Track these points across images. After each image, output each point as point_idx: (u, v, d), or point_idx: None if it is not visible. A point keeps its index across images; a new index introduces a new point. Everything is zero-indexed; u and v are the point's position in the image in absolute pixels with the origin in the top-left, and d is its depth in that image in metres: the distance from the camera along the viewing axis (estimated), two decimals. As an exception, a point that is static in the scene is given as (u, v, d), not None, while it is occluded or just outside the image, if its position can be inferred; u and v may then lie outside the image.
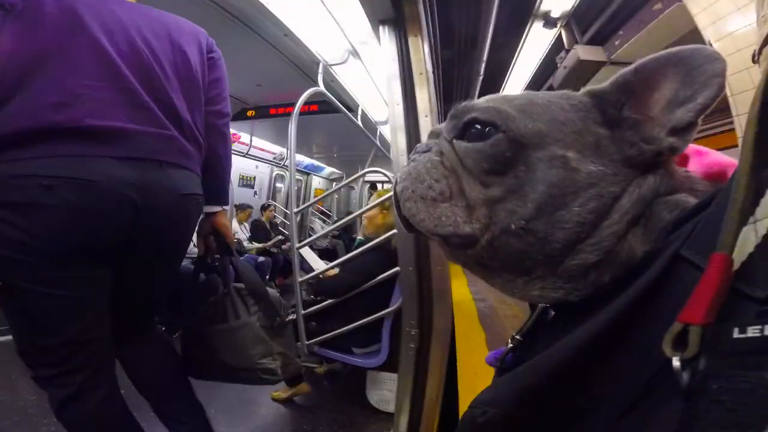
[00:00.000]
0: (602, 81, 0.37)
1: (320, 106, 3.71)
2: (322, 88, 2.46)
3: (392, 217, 1.96)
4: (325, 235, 4.68)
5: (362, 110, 3.59)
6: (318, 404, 2.14)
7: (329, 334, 1.91)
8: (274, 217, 5.87)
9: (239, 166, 5.44)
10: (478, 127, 0.37)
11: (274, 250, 5.22)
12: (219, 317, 1.12)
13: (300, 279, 1.99)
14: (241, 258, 4.36)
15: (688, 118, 0.33)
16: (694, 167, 0.39)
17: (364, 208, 2.13)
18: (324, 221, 7.74)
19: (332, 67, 2.63)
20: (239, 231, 4.81)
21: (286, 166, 6.78)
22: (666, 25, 2.56)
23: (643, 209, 0.33)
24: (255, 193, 5.85)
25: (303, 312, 1.96)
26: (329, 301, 1.94)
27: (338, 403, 2.15)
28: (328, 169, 7.93)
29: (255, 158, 5.85)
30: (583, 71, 3.07)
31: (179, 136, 0.98)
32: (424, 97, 1.61)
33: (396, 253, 1.77)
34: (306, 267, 2.61)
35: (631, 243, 0.33)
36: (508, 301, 2.68)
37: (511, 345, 0.43)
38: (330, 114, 3.61)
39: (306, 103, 3.76)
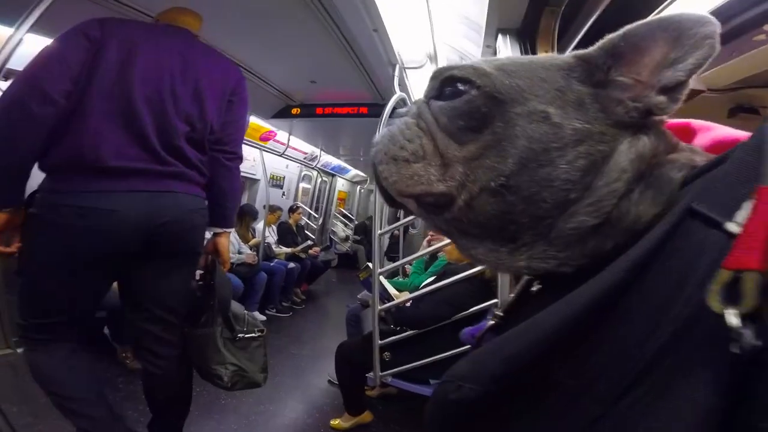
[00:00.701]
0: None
1: (370, 110, 3.54)
2: (402, 93, 2.31)
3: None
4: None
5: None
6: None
7: (407, 366, 1.78)
8: (300, 219, 5.72)
9: (271, 165, 5.25)
10: (455, 86, 0.36)
11: (303, 255, 5.08)
12: (200, 323, 1.31)
13: (380, 307, 1.83)
14: (271, 264, 4.22)
15: (678, 77, 0.32)
16: (701, 142, 0.37)
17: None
18: (345, 224, 7.60)
19: (406, 70, 2.46)
20: (268, 234, 4.64)
21: (317, 168, 6.65)
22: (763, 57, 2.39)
23: (644, 168, 0.32)
24: (283, 193, 5.67)
25: (380, 342, 1.80)
26: (410, 332, 1.79)
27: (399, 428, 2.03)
28: (353, 171, 7.78)
29: (288, 158, 5.69)
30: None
31: (184, 169, 1.23)
32: None
33: (489, 282, 1.65)
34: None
35: (637, 205, 0.31)
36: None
37: (492, 322, 0.40)
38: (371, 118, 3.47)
39: (355, 104, 3.67)
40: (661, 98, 0.32)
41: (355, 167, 7.40)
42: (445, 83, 0.37)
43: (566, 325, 0.27)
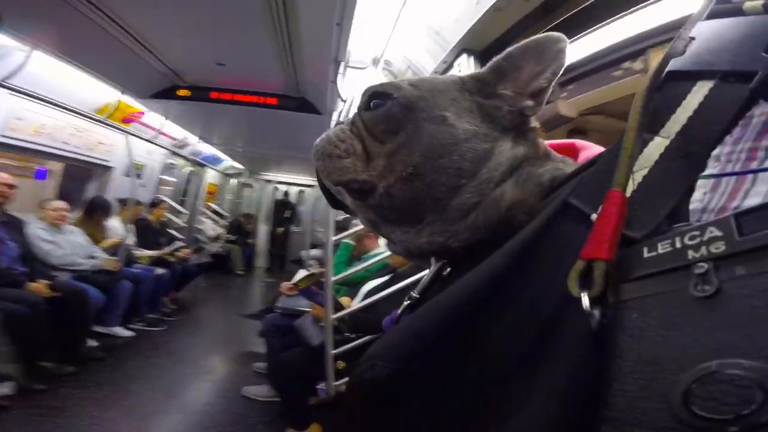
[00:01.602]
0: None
1: (280, 101, 3.28)
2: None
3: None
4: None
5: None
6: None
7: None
8: (164, 215, 4.90)
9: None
10: (379, 99, 0.44)
11: (172, 258, 4.38)
12: None
13: (334, 315, 1.75)
14: (135, 270, 3.55)
15: (541, 85, 0.41)
16: (581, 159, 0.45)
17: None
18: (215, 222, 6.82)
19: (346, 65, 2.37)
20: (125, 234, 3.81)
21: (188, 157, 5.75)
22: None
23: (516, 165, 0.40)
24: (142, 185, 4.70)
25: (335, 351, 1.74)
26: (367, 337, 1.78)
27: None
28: (227, 162, 6.98)
29: (155, 144, 4.75)
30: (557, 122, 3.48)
31: None
32: None
33: None
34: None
35: (505, 190, 0.38)
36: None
37: (408, 302, 0.45)
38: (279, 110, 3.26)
39: (265, 94, 3.33)
40: (529, 102, 0.42)
41: (233, 158, 6.69)
42: (372, 97, 0.44)
43: (460, 304, 0.31)
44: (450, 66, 1.93)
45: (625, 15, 1.45)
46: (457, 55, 1.83)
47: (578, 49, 2.79)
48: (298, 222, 8.06)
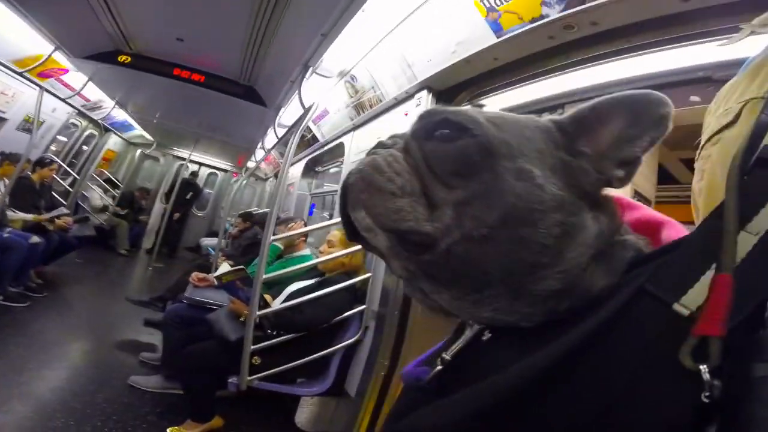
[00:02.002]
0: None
1: (207, 80, 3.22)
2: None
3: (359, 260, 2.14)
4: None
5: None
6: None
7: (280, 368, 1.89)
8: (50, 177, 4.28)
9: (29, 103, 3.69)
10: (447, 131, 0.37)
11: (50, 226, 3.86)
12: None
13: (259, 312, 1.85)
14: (4, 235, 3.14)
15: (635, 153, 0.36)
16: (628, 219, 0.42)
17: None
18: (105, 191, 6.06)
19: (314, 70, 2.43)
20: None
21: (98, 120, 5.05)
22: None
23: (602, 245, 0.35)
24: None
25: (254, 347, 1.83)
26: (286, 336, 1.92)
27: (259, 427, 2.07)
28: (137, 131, 6.26)
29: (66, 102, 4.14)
30: None
31: None
32: None
33: (358, 292, 2.01)
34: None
35: (592, 276, 0.34)
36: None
37: (440, 366, 0.38)
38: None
39: (210, 74, 3.20)
40: (620, 172, 0.37)
41: (144, 128, 6.03)
42: (438, 126, 0.37)
43: (530, 381, 0.30)
44: (410, 97, 2.14)
45: (550, 77, 1.75)
46: (419, 90, 2.05)
47: (510, 98, 3.29)
48: (201, 206, 7.57)
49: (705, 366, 0.26)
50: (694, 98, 2.70)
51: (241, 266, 2.20)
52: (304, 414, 2.16)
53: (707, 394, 0.25)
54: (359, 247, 2.04)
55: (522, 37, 1.46)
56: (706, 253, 0.29)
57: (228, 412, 2.11)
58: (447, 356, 0.39)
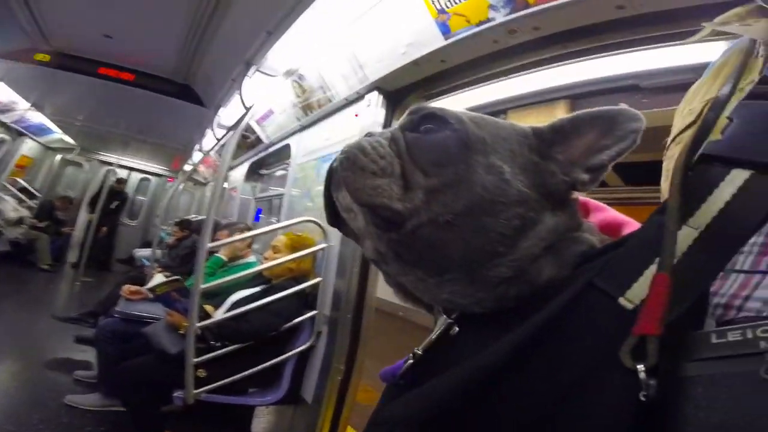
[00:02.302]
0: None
1: (138, 79, 3.00)
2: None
3: (309, 264, 2.09)
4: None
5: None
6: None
7: (229, 380, 1.80)
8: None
9: None
10: (432, 124, 0.40)
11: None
12: None
13: (199, 324, 1.74)
14: None
15: (602, 161, 0.38)
16: (594, 220, 0.44)
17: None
18: (21, 201, 5.42)
19: (258, 69, 2.32)
20: None
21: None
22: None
23: (555, 239, 0.37)
24: None
25: (197, 360, 1.73)
26: (232, 346, 1.83)
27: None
28: (55, 136, 5.63)
29: None
30: None
31: None
32: None
33: (308, 297, 1.98)
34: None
35: (540, 266, 0.36)
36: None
37: (412, 361, 0.40)
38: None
39: (118, 66, 2.93)
40: (586, 176, 0.39)
41: (65, 131, 5.43)
42: (424, 120, 0.41)
43: (487, 372, 0.32)
44: (361, 98, 2.12)
45: (493, 83, 1.82)
46: (370, 90, 2.04)
47: (458, 102, 3.38)
48: (133, 214, 7.02)
49: (642, 365, 0.27)
50: (623, 105, 2.96)
51: (177, 277, 2.07)
52: (260, 424, 2.09)
53: (644, 393, 0.26)
54: (307, 251, 2.02)
55: (468, 41, 1.49)
56: (650, 248, 0.31)
57: (179, 426, 2.00)
58: (418, 351, 0.40)
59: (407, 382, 0.39)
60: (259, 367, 1.84)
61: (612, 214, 0.46)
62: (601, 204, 0.48)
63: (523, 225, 0.36)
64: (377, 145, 0.40)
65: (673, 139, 0.62)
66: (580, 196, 0.45)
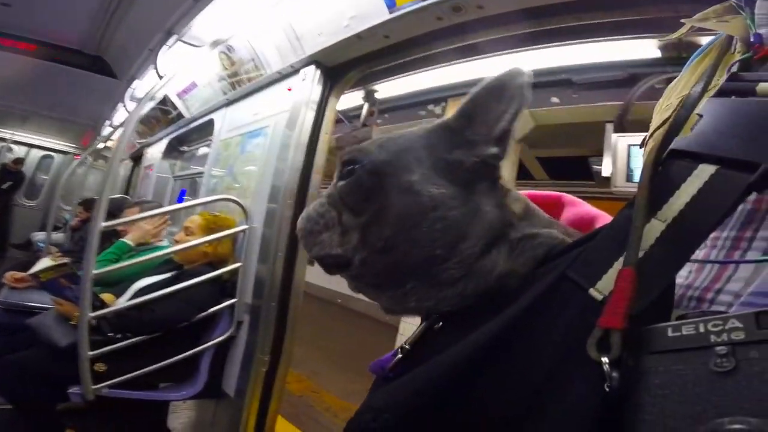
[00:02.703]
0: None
1: (40, 50, 2.63)
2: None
3: (227, 248, 1.92)
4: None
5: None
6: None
7: (135, 374, 1.62)
8: None
9: None
10: (351, 167, 0.42)
11: None
12: None
13: (93, 314, 1.52)
14: None
15: (503, 127, 0.39)
16: (568, 215, 0.46)
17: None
18: None
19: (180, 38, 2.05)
20: None
21: None
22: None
23: (497, 233, 0.39)
24: None
25: (93, 353, 1.52)
26: (134, 338, 1.63)
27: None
28: None
29: None
30: None
31: None
32: (322, 154, 1.85)
33: (225, 284, 1.83)
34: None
35: (495, 263, 0.38)
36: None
37: (401, 355, 0.42)
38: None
39: (16, 36, 2.49)
40: (493, 149, 0.39)
41: None
42: (346, 165, 0.43)
43: (464, 362, 0.33)
44: (296, 72, 1.99)
45: (438, 67, 1.77)
46: (307, 65, 1.91)
47: (400, 85, 3.35)
48: (33, 194, 6.16)
49: (606, 357, 0.27)
50: (555, 100, 3.10)
51: (65, 261, 1.81)
52: (179, 419, 1.92)
53: (607, 384, 0.27)
54: (225, 233, 1.86)
55: (412, 16, 1.43)
56: (620, 240, 0.32)
57: (85, 423, 1.80)
58: (406, 345, 0.42)
59: (396, 376, 0.40)
60: (169, 361, 1.67)
61: (585, 208, 0.47)
62: (575, 199, 0.49)
63: (449, 225, 0.38)
64: (318, 206, 0.45)
65: (651, 135, 0.62)
66: (556, 192, 0.49)
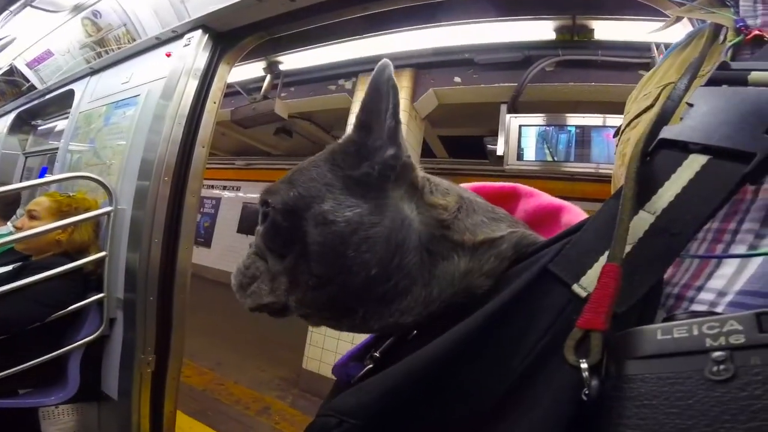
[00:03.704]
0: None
1: None
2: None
3: (87, 234, 1.63)
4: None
5: None
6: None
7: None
8: None
9: None
10: (267, 209, 0.40)
11: None
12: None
13: None
14: None
15: (389, 125, 0.37)
16: (526, 207, 0.44)
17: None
18: None
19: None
20: None
21: None
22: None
23: (437, 237, 0.37)
24: None
25: None
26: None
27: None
28: None
29: None
30: (269, 119, 3.56)
31: None
32: (208, 126, 1.66)
33: (89, 277, 1.60)
34: None
35: (451, 263, 0.36)
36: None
37: (369, 365, 0.39)
38: None
39: None
40: (390, 150, 0.37)
41: None
42: (263, 206, 0.41)
43: (436, 361, 0.31)
44: (178, 37, 1.73)
45: (347, 41, 1.71)
46: (192, 29, 1.68)
47: (309, 58, 3.15)
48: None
49: (584, 362, 0.25)
50: (457, 79, 3.18)
51: None
52: (54, 425, 1.62)
53: (585, 392, 0.25)
54: (81, 216, 1.57)
55: None
56: (606, 233, 0.30)
57: None
58: (377, 354, 0.39)
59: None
60: (25, 365, 1.39)
61: (546, 199, 0.45)
62: (532, 189, 0.47)
63: (372, 244, 0.36)
64: (246, 259, 0.43)
65: (628, 124, 0.61)
66: (510, 184, 0.47)
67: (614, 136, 0.66)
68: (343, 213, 0.37)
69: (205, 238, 8.06)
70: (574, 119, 2.78)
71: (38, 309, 1.43)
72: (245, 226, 7.84)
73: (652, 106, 0.55)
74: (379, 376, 0.33)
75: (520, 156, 2.90)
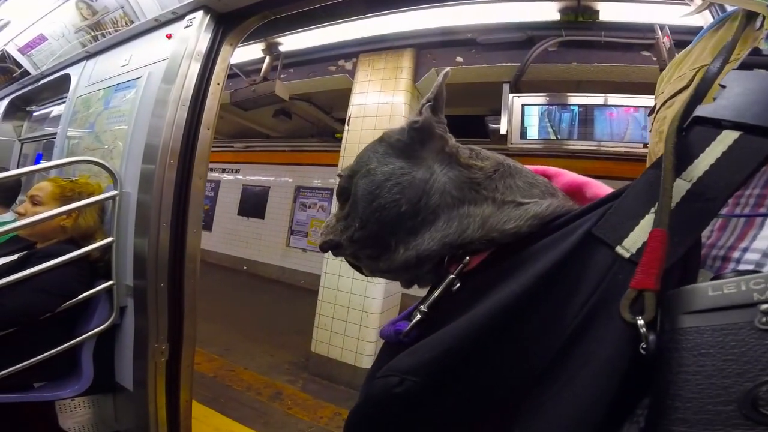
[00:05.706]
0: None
1: None
2: None
3: (92, 219, 1.60)
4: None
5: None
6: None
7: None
8: None
9: None
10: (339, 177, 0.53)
11: None
12: None
13: None
14: None
15: (422, 102, 0.47)
16: (557, 185, 0.48)
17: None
18: None
19: None
20: None
21: None
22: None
23: (466, 189, 0.43)
24: None
25: None
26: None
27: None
28: None
29: None
30: (270, 100, 3.51)
31: None
32: (212, 109, 1.61)
33: (96, 264, 1.57)
34: None
35: (478, 208, 0.42)
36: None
37: (418, 317, 0.41)
38: None
39: None
40: (415, 118, 0.47)
41: None
42: (338, 177, 0.53)
43: (490, 321, 0.33)
44: (179, 18, 1.67)
45: (350, 21, 1.67)
46: (193, 10, 1.62)
47: (308, 38, 3.08)
48: None
49: (641, 319, 0.28)
50: (459, 59, 3.14)
51: None
52: (71, 418, 1.62)
53: (644, 346, 0.27)
54: (85, 201, 1.53)
55: None
56: (645, 199, 0.33)
57: None
58: (424, 308, 0.42)
59: (411, 340, 0.40)
60: (39, 358, 1.38)
61: (571, 176, 0.49)
62: (559, 169, 0.51)
63: (404, 186, 0.44)
64: (330, 215, 0.56)
65: (663, 103, 0.66)
66: (540, 165, 0.51)
67: (649, 114, 0.70)
68: (382, 168, 0.46)
69: (205, 222, 8.01)
70: (577, 98, 2.78)
71: (49, 299, 1.41)
72: (245, 208, 7.82)
73: (687, 86, 0.60)
74: (438, 335, 0.36)
75: (523, 135, 2.90)
